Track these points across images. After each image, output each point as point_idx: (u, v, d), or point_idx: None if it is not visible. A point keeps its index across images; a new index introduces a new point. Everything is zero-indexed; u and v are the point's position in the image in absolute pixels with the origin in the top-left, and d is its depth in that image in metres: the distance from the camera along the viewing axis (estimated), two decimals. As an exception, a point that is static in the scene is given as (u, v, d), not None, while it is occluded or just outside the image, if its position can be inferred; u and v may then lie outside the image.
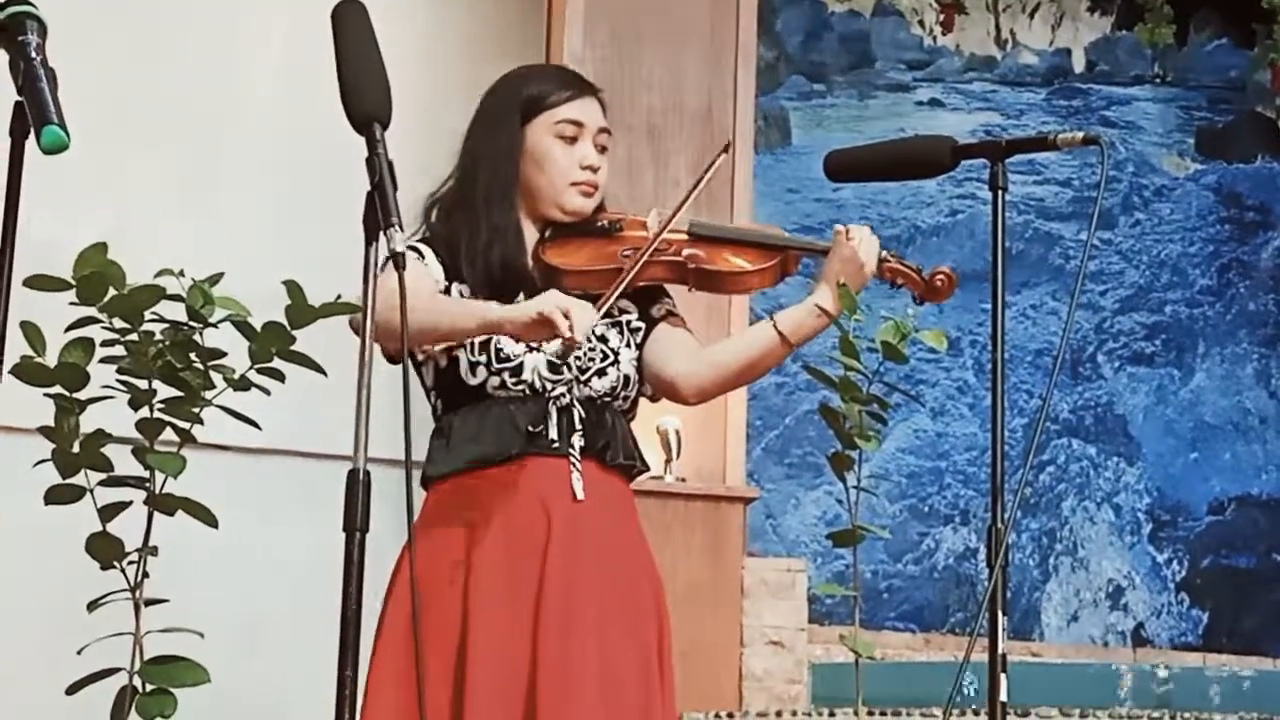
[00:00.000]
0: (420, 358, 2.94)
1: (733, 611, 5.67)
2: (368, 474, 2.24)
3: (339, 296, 2.89)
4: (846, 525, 3.15)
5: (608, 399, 2.94)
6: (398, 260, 2.21)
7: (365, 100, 2.33)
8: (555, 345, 2.83)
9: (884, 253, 2.99)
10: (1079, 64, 7.49)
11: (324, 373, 2.95)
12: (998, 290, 2.69)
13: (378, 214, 2.25)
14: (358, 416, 2.23)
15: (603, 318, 2.89)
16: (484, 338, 2.87)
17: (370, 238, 2.27)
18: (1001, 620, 2.54)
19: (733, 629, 5.67)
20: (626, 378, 2.97)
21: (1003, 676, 2.52)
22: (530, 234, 3.00)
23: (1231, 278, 7.44)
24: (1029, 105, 7.38)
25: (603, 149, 3.03)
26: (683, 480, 5.74)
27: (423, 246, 2.96)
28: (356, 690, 2.19)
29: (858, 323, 2.93)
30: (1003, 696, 2.51)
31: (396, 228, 2.22)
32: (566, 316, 2.69)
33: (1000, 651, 2.53)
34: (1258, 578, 7.23)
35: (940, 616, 6.80)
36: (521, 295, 2.90)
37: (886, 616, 6.69)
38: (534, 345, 2.88)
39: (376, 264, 2.28)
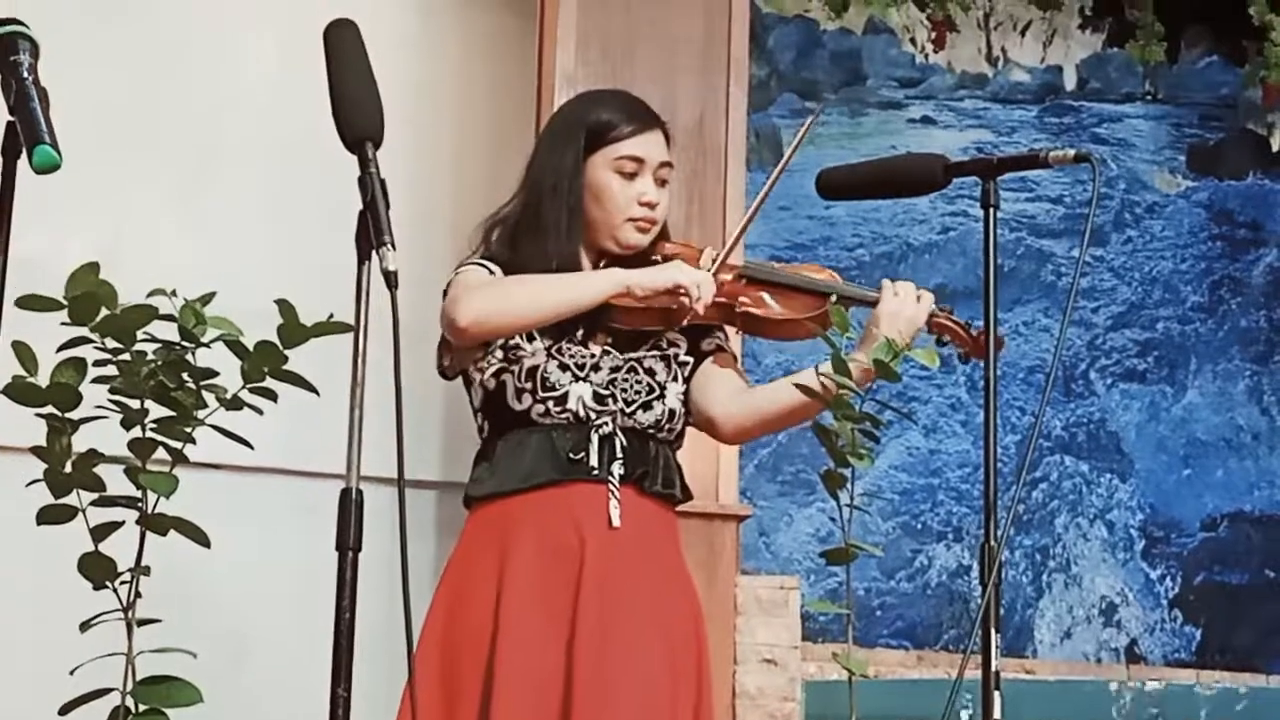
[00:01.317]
0: (476, 378, 2.96)
1: (726, 629, 5.66)
2: (360, 493, 2.25)
3: (331, 316, 2.89)
4: (839, 543, 3.14)
5: (652, 430, 2.96)
6: (390, 280, 2.21)
7: (357, 119, 2.34)
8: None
9: (933, 307, 3.00)
10: (1070, 81, 7.50)
11: (316, 392, 2.96)
12: (990, 307, 2.70)
13: (370, 233, 2.25)
14: (350, 435, 2.23)
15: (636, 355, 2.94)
16: (532, 366, 2.90)
17: (363, 257, 2.27)
18: (994, 637, 2.54)
19: (726, 647, 5.65)
20: (672, 411, 2.99)
21: (996, 694, 2.52)
22: (587, 267, 3.01)
23: (1223, 294, 7.44)
24: (1020, 122, 7.39)
25: (663, 182, 3.05)
26: (675, 498, 5.73)
27: (490, 264, 2.99)
28: (349, 709, 2.19)
29: (849, 340, 2.93)
30: (996, 714, 2.51)
31: (389, 246, 2.22)
32: (697, 289, 2.84)
33: (993, 669, 2.53)
34: (1251, 594, 7.23)
35: (933, 634, 6.79)
36: (580, 330, 2.94)
37: (880, 634, 6.68)
38: (580, 375, 2.90)
39: (369, 283, 2.28)
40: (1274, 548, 7.29)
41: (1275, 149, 7.66)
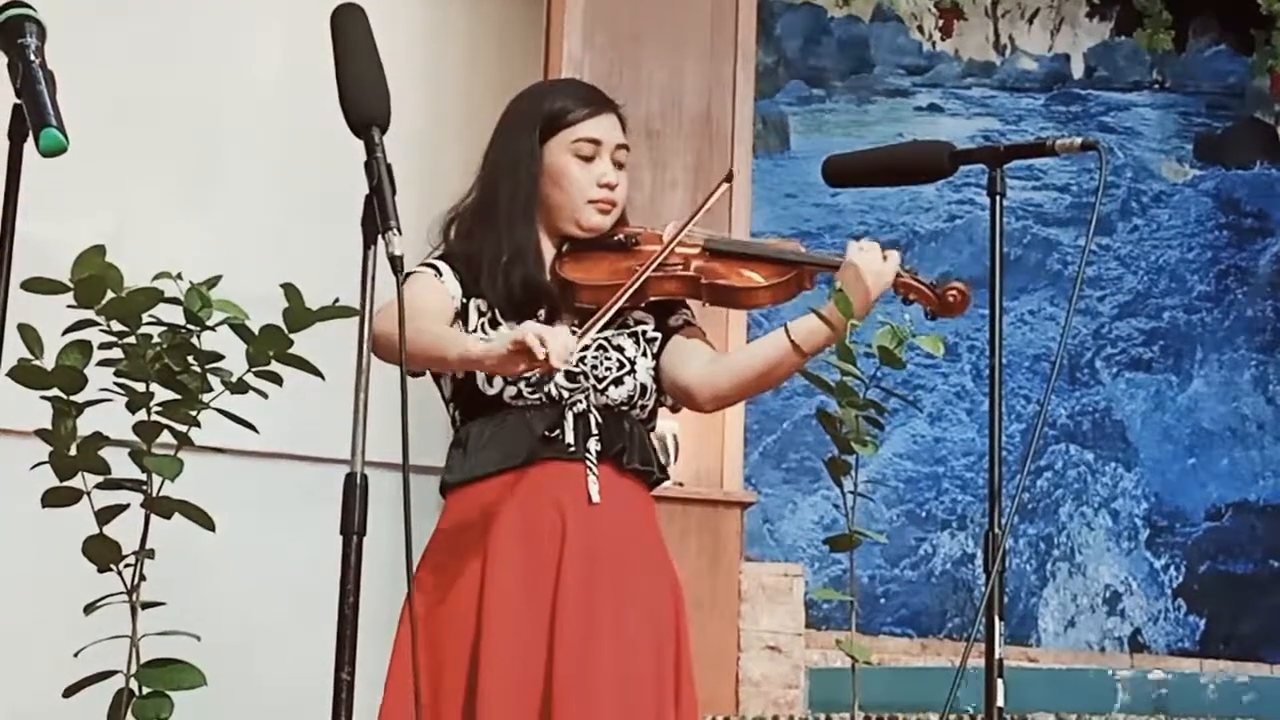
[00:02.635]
0: (437, 369, 2.96)
1: (730, 616, 5.67)
2: (365, 477, 2.25)
3: (337, 300, 2.89)
4: (843, 530, 3.15)
5: (625, 407, 2.96)
6: (396, 265, 2.21)
7: (364, 104, 2.33)
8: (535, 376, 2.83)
9: (899, 267, 2.99)
10: (1078, 70, 7.50)
11: (321, 376, 2.96)
12: (996, 295, 2.69)
13: (376, 217, 2.25)
14: (355, 420, 2.24)
15: (597, 334, 2.88)
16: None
17: (369, 241, 2.27)
18: (998, 625, 2.54)
19: (730, 634, 5.66)
20: (643, 386, 2.98)
21: (999, 682, 2.52)
22: (548, 250, 3.02)
23: (1229, 284, 7.44)
24: (1028, 111, 7.38)
25: (620, 165, 3.04)
26: (680, 485, 5.74)
27: (440, 264, 2.98)
28: (353, 692, 2.19)
29: (855, 328, 2.93)
30: (999, 702, 2.51)
31: (395, 231, 2.22)
32: (543, 344, 2.61)
33: (997, 657, 2.53)
34: (1255, 584, 7.23)
35: (937, 622, 6.80)
36: (542, 312, 2.93)
37: (883, 621, 6.69)
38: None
39: (375, 267, 2.28)
40: (1278, 538, 7.30)
41: (1283, 138, 7.66)
